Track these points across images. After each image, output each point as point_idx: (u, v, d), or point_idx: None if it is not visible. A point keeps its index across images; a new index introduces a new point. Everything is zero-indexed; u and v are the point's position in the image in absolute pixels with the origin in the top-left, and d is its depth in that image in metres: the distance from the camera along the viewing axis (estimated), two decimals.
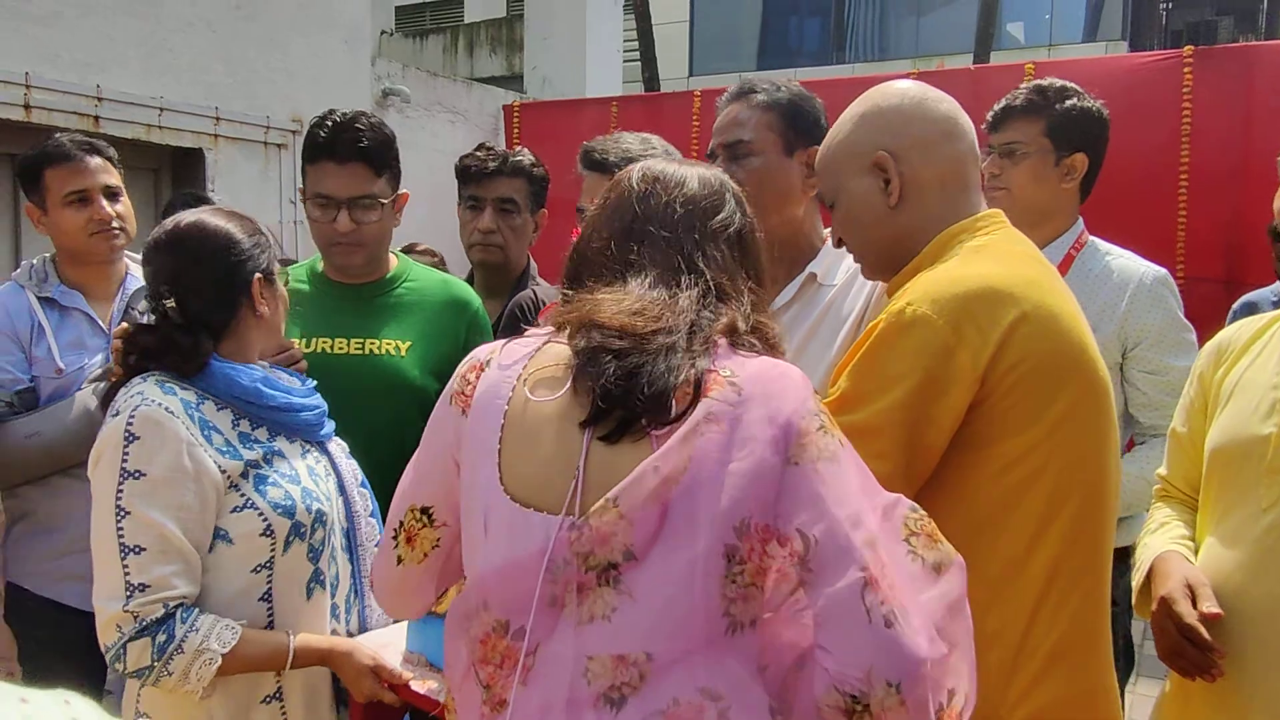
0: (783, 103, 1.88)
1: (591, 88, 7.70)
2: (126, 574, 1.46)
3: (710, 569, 1.04)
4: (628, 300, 1.16)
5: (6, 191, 4.54)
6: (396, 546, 1.29)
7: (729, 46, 19.74)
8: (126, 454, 1.49)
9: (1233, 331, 1.68)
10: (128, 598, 1.46)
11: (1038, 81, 2.31)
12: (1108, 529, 1.43)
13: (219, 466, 1.54)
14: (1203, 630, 1.43)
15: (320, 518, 1.63)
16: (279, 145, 5.37)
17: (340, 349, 2.12)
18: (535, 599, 1.06)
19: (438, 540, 1.27)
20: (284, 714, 1.63)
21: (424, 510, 1.27)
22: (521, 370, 1.18)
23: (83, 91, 4.40)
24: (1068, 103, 2.23)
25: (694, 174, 1.28)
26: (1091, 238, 2.27)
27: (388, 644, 1.69)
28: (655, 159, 1.33)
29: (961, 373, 1.30)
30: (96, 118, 4.47)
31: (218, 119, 5.00)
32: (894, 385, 1.31)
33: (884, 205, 1.48)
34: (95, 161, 2.34)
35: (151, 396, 1.53)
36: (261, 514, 1.56)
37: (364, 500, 1.80)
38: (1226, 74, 4.88)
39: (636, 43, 10.52)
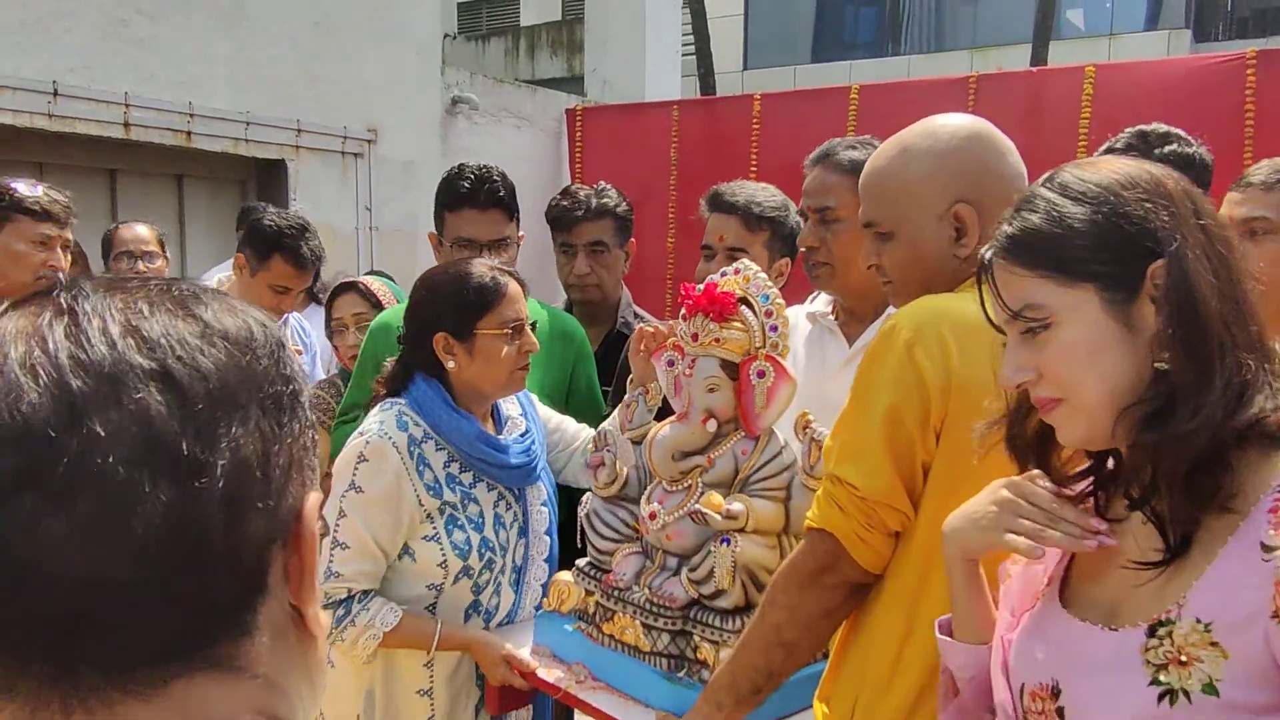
0: (860, 165, 1.99)
1: (651, 89, 7.83)
2: (330, 561, 1.81)
3: None
4: None
5: (104, 204, 4.82)
6: None
7: (784, 39, 19.69)
8: (357, 470, 1.83)
9: None
10: (325, 579, 1.80)
11: (1141, 127, 2.36)
12: None
13: (419, 500, 1.87)
14: None
15: (490, 564, 1.93)
16: (355, 154, 5.59)
17: None
18: None
19: None
20: (432, 708, 1.94)
21: None
22: None
23: (177, 109, 4.65)
24: (1168, 148, 2.28)
25: None
26: None
27: (517, 638, 1.94)
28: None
29: (931, 393, 1.29)
30: (189, 134, 4.72)
31: (299, 131, 5.23)
32: (876, 402, 1.33)
33: (950, 252, 1.45)
34: (309, 273, 2.72)
35: (387, 429, 1.86)
36: (442, 549, 1.88)
37: (542, 545, 2.07)
38: None
39: (691, 38, 10.63)
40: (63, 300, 0.51)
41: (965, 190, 1.44)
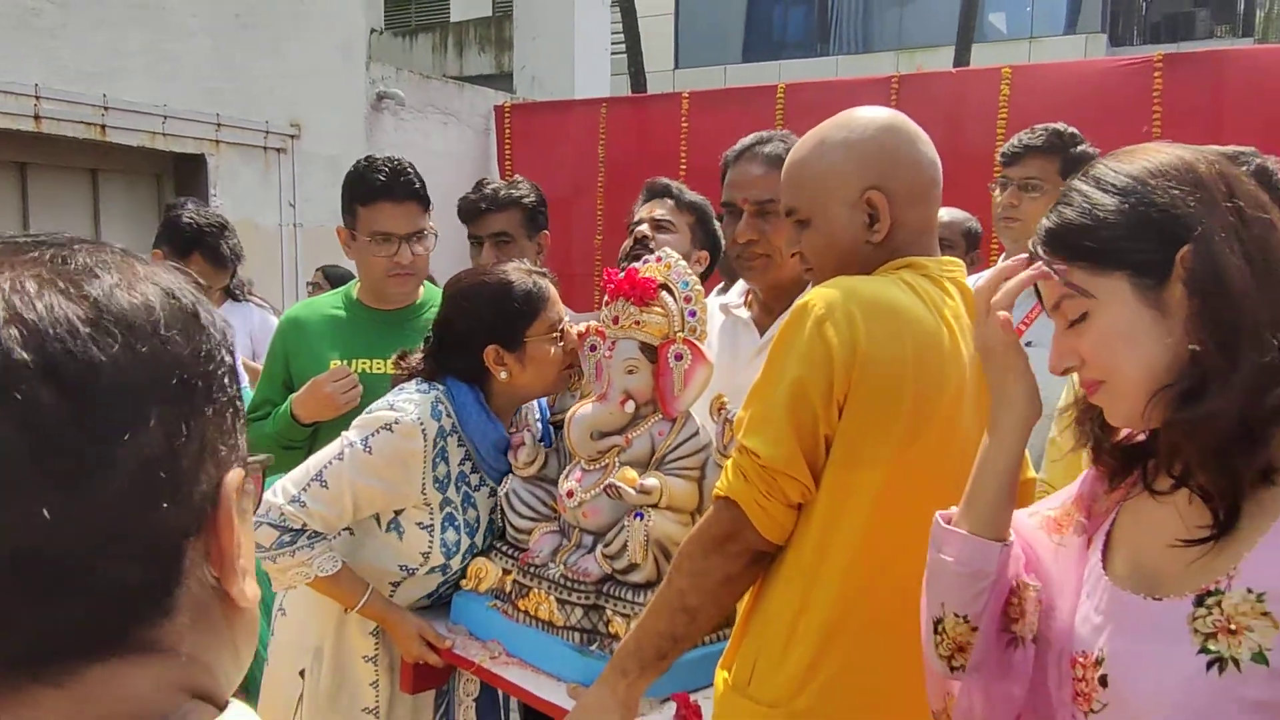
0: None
1: (580, 86, 7.85)
2: (304, 489, 1.80)
3: None
4: None
5: (14, 198, 4.68)
6: None
7: (714, 38, 19.88)
8: (376, 433, 1.83)
9: None
10: (290, 500, 1.80)
11: (1054, 125, 2.54)
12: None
13: (423, 490, 1.86)
14: None
15: (466, 568, 1.94)
16: (278, 150, 5.51)
17: (379, 369, 2.37)
18: None
19: None
20: (376, 672, 1.97)
21: None
22: None
23: (90, 101, 4.53)
24: (1079, 147, 2.50)
25: None
26: None
27: (433, 617, 1.95)
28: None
29: (836, 367, 1.34)
30: (103, 126, 4.61)
31: (219, 125, 5.14)
32: (784, 375, 1.36)
33: (864, 238, 1.50)
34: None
35: (423, 414, 1.85)
36: (430, 541, 1.89)
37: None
38: (1197, 79, 5.04)
39: (622, 36, 10.66)
40: None
41: (877, 178, 1.49)
